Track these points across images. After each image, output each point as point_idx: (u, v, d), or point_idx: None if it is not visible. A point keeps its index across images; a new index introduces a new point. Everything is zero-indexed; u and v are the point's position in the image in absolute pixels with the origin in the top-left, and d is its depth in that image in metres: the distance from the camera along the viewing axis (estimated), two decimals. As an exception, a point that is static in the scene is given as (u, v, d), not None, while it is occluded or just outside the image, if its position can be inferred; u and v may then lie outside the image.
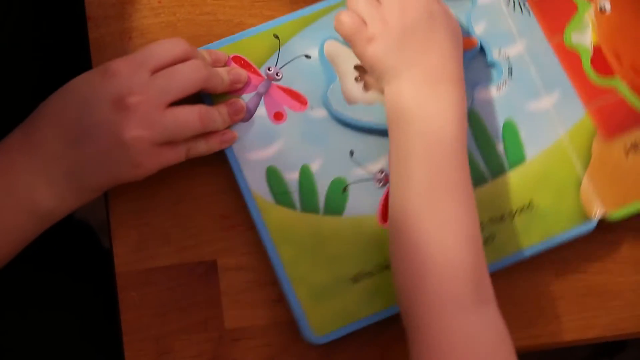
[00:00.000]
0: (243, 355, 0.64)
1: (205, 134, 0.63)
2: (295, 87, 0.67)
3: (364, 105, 0.66)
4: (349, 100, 0.66)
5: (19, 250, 0.61)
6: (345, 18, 0.63)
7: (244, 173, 0.65)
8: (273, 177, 0.65)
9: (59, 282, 0.75)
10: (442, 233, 0.57)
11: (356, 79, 0.67)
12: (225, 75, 0.64)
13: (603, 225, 0.67)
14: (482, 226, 0.64)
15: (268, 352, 0.64)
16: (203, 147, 0.63)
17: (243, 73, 0.65)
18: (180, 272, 0.65)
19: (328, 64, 0.67)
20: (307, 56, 0.68)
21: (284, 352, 0.64)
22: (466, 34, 0.68)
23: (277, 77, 0.67)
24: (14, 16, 0.67)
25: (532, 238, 0.65)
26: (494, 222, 0.65)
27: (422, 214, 0.57)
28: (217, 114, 0.63)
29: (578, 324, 0.67)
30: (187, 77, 0.61)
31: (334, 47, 0.67)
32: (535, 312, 0.67)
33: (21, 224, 0.60)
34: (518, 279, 0.67)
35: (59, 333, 0.72)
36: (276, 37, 0.68)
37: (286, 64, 0.67)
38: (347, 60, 0.67)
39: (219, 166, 0.66)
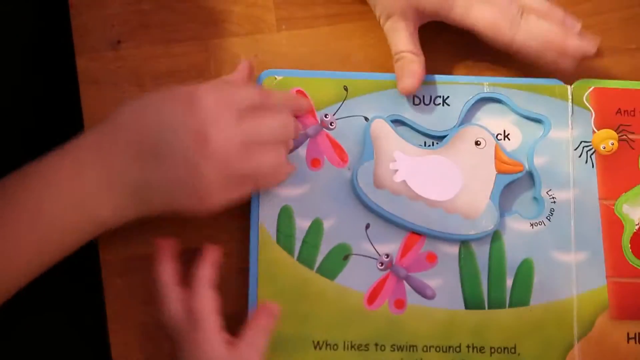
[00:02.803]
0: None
1: None
2: (343, 143, 0.67)
3: (390, 193, 0.66)
4: (377, 184, 0.66)
5: (72, 251, 0.61)
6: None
7: (259, 202, 0.66)
8: (285, 216, 0.66)
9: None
10: None
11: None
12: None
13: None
14: (459, 349, 0.64)
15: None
16: (271, 182, 0.64)
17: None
18: (165, 259, 0.64)
19: (370, 141, 0.66)
20: (366, 118, 0.67)
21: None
22: (517, 159, 0.67)
23: (330, 126, 0.67)
24: None
25: (501, 382, 0.64)
26: (472, 350, 0.65)
27: None
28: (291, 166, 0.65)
29: None
30: (273, 131, 0.61)
31: (381, 126, 0.67)
32: None
33: (80, 228, 0.60)
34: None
35: (45, 321, 0.72)
36: (345, 89, 0.68)
37: (344, 117, 0.68)
38: (390, 144, 0.66)
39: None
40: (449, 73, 0.70)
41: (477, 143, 0.67)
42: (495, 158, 0.66)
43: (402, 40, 0.67)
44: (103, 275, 0.65)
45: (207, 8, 0.71)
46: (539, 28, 0.66)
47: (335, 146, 0.67)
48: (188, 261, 0.64)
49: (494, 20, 0.66)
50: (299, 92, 0.68)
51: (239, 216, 0.66)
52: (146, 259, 0.64)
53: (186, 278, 0.63)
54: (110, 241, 0.66)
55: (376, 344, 0.64)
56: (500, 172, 0.66)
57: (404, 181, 0.66)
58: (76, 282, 0.74)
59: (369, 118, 0.67)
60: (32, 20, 0.73)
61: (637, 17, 0.72)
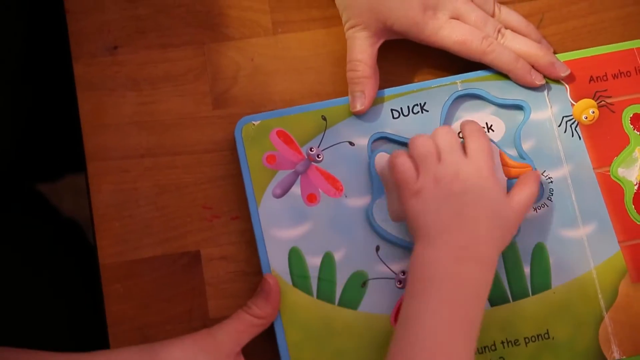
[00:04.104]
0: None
1: None
2: (334, 172, 0.67)
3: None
4: (394, 218, 0.65)
5: None
6: (400, 165, 0.62)
7: (267, 249, 0.65)
8: (295, 258, 0.66)
9: (48, 278, 0.76)
10: None
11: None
12: None
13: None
14: (494, 347, 0.64)
15: (251, 340, 0.64)
16: None
17: None
18: (164, 263, 0.66)
19: (376, 177, 0.66)
20: (351, 143, 0.68)
21: (267, 340, 0.64)
22: (518, 159, 0.68)
23: (317, 158, 0.67)
24: None
25: (542, 369, 0.64)
26: (507, 344, 0.65)
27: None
28: None
29: None
30: None
31: (385, 160, 0.67)
32: None
33: None
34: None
35: (47, 326, 0.74)
36: (324, 118, 0.68)
37: (329, 147, 0.68)
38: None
39: (201, 156, 0.68)
40: (419, 80, 0.71)
41: (465, 140, 0.67)
42: (503, 165, 0.67)
43: (359, 49, 0.67)
44: (102, 280, 0.65)
45: (203, 12, 0.71)
46: (514, 46, 0.68)
47: (328, 177, 0.67)
48: (187, 265, 0.65)
49: (462, 39, 0.67)
50: (280, 132, 0.68)
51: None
52: (145, 263, 0.65)
53: (185, 283, 0.62)
54: (109, 246, 0.66)
55: (414, 362, 0.64)
56: (510, 177, 0.67)
57: None
58: (76, 286, 0.75)
59: (354, 142, 0.67)
60: (28, 27, 0.74)
61: (632, 16, 0.73)
